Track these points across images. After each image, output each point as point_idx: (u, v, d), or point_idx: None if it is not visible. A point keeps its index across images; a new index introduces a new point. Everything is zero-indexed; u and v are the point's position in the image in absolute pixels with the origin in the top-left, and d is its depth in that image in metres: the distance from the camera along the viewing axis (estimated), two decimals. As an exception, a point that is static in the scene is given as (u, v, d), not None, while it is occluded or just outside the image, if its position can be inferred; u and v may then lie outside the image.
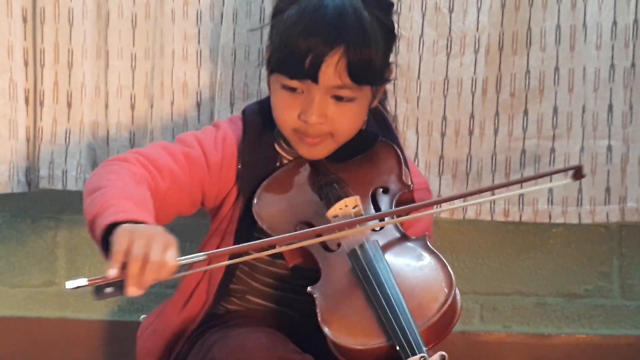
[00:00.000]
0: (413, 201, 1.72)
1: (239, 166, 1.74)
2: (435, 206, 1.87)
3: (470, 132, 2.16)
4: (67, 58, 2.15)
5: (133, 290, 1.40)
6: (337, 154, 1.75)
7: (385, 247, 1.60)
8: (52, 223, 2.32)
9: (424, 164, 2.16)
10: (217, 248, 1.75)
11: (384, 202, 1.69)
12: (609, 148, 2.14)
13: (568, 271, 2.30)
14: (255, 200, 1.71)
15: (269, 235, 1.66)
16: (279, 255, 1.67)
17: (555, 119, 2.15)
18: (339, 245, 1.62)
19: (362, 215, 1.64)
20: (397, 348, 1.45)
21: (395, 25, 1.75)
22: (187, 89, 2.16)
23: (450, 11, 2.13)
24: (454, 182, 2.17)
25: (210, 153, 1.73)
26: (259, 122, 1.78)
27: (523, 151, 2.16)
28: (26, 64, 2.16)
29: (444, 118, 2.16)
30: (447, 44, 2.14)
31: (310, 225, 1.66)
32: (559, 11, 2.13)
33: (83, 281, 1.40)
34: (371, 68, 1.67)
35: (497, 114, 2.16)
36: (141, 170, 1.63)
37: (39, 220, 2.32)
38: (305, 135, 1.71)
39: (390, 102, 2.06)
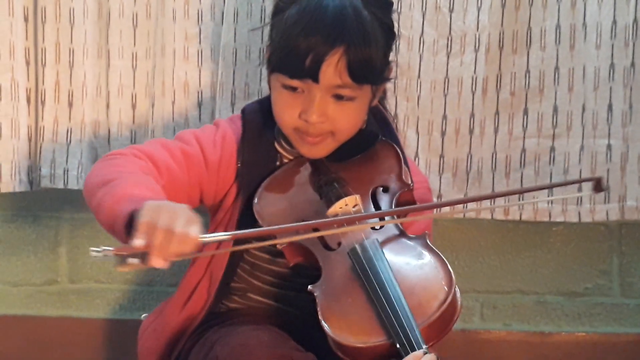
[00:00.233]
0: (413, 200, 1.72)
1: (239, 165, 1.75)
2: (435, 210, 1.87)
3: (471, 131, 2.16)
4: (69, 57, 2.15)
5: (157, 261, 1.41)
6: (338, 153, 1.75)
7: (386, 246, 1.60)
8: (53, 222, 2.32)
9: (424, 163, 2.16)
10: (220, 243, 1.76)
11: (384, 201, 1.70)
12: (609, 147, 2.14)
13: (568, 269, 2.30)
14: (255, 200, 1.71)
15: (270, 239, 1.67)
16: (280, 254, 1.68)
17: (555, 118, 2.15)
18: (339, 244, 1.62)
19: (362, 214, 1.65)
20: (398, 346, 1.46)
21: (396, 25, 1.75)
22: (188, 89, 2.16)
23: (451, 10, 2.13)
24: (454, 181, 2.17)
25: (208, 151, 1.73)
26: (259, 121, 1.78)
27: (523, 150, 2.16)
28: (27, 63, 2.16)
29: (444, 117, 2.16)
30: (448, 43, 2.14)
31: (314, 228, 1.66)
32: (558, 10, 2.13)
33: (109, 250, 1.40)
34: (371, 67, 1.67)
35: (497, 113, 2.17)
36: (143, 164, 1.64)
37: (40, 219, 2.32)
38: (306, 135, 1.71)
39: (390, 101, 2.06)
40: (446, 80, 2.15)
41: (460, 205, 2.18)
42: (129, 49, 2.17)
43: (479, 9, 2.12)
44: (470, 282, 2.29)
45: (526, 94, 2.15)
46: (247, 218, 1.72)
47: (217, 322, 1.73)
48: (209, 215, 1.81)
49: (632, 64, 2.12)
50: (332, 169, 1.74)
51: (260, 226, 1.69)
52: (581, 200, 2.15)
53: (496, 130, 2.17)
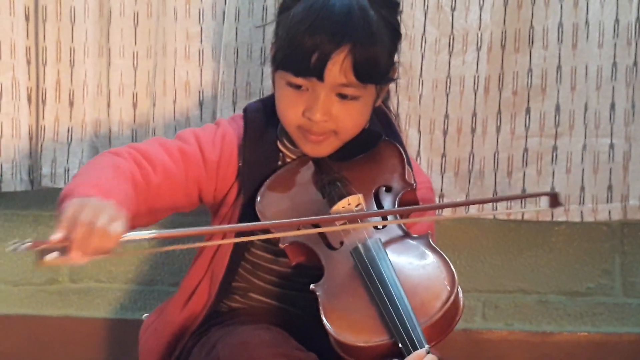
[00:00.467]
0: (416, 200, 1.71)
1: (240, 164, 1.74)
2: (437, 211, 1.87)
3: (473, 131, 2.16)
4: (69, 56, 2.15)
5: (77, 255, 1.41)
6: (341, 153, 1.75)
7: (388, 245, 1.60)
8: (54, 221, 2.31)
9: (426, 162, 2.16)
10: (219, 244, 1.76)
11: (387, 200, 1.69)
12: (611, 146, 2.14)
13: (570, 269, 2.30)
14: (258, 199, 1.71)
15: (270, 234, 1.67)
16: (282, 254, 1.67)
17: (557, 117, 2.15)
18: (341, 243, 1.62)
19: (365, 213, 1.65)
20: (400, 345, 1.45)
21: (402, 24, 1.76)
22: (189, 88, 2.16)
23: (453, 9, 2.13)
24: (456, 181, 2.17)
25: (207, 150, 1.73)
26: (262, 120, 1.78)
27: (525, 149, 2.16)
28: (28, 62, 2.16)
29: (446, 116, 2.16)
30: (450, 42, 2.14)
31: (314, 223, 1.66)
32: (561, 9, 2.13)
33: (26, 243, 1.40)
34: (376, 67, 1.67)
35: (499, 112, 2.16)
36: (129, 165, 1.64)
37: (41, 219, 2.32)
38: (309, 133, 1.71)
39: (392, 100, 2.06)
40: (448, 79, 2.14)
41: (462, 209, 2.17)
42: (130, 48, 2.17)
43: (481, 8, 2.12)
44: (472, 281, 2.29)
45: (528, 93, 2.15)
46: (248, 217, 1.72)
47: (218, 321, 1.73)
48: (210, 214, 1.81)
49: (635, 63, 2.12)
50: (335, 169, 1.73)
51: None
52: (583, 200, 2.15)
53: (498, 130, 2.16)
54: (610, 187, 2.15)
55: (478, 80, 2.14)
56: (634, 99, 2.13)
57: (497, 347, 2.30)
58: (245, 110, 1.81)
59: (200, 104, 2.17)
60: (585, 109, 2.14)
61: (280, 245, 1.65)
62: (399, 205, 1.68)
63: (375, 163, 1.75)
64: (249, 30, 2.13)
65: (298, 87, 1.69)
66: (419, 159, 2.15)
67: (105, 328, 2.33)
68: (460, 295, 1.53)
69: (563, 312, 2.31)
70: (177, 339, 1.77)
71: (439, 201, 2.15)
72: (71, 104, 2.16)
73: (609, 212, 2.15)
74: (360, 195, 1.67)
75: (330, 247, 1.62)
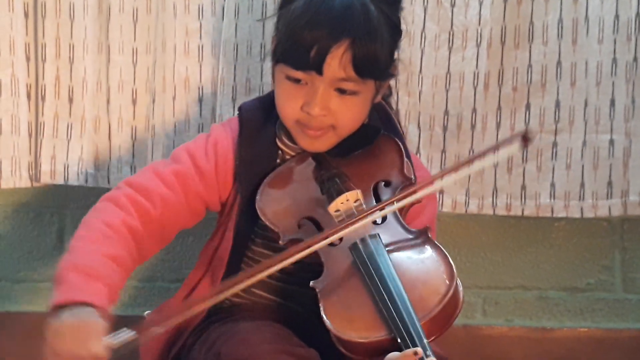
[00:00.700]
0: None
1: (236, 163, 1.75)
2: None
3: (472, 127, 2.16)
4: (69, 53, 2.15)
5: None
6: (339, 148, 1.75)
7: (387, 241, 1.60)
8: (55, 218, 2.32)
9: (426, 158, 2.16)
10: (221, 241, 1.77)
11: (386, 195, 1.69)
12: (611, 142, 2.14)
13: (570, 265, 2.29)
14: (258, 196, 1.71)
15: (269, 230, 1.68)
16: (283, 250, 1.67)
17: (557, 113, 2.15)
18: (340, 239, 1.62)
19: (363, 209, 1.64)
20: (399, 340, 1.45)
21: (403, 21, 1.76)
22: (188, 84, 2.16)
23: (452, 5, 2.13)
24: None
25: (201, 162, 1.73)
26: (259, 118, 1.78)
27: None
28: (28, 59, 2.16)
29: (446, 112, 2.16)
30: (449, 38, 2.14)
31: (313, 220, 1.67)
32: (561, 5, 2.12)
33: None
34: (376, 62, 1.67)
35: (499, 108, 2.16)
36: (123, 216, 1.64)
37: (42, 215, 2.32)
38: (307, 127, 1.71)
39: (392, 96, 2.06)
40: (448, 75, 2.14)
41: (462, 202, 2.17)
42: (129, 45, 2.17)
43: (480, 4, 2.12)
44: (472, 277, 2.29)
45: (528, 89, 2.15)
46: (248, 215, 1.72)
47: (220, 317, 1.73)
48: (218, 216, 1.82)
49: (635, 59, 2.12)
50: (333, 164, 1.73)
51: (262, 222, 1.69)
52: (583, 196, 2.15)
53: (498, 126, 2.16)
54: (610, 183, 2.15)
55: (478, 76, 2.14)
56: (634, 94, 2.13)
57: (497, 343, 2.30)
58: (240, 109, 1.81)
59: (200, 100, 2.17)
60: (585, 105, 2.14)
61: (280, 242, 1.66)
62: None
63: (374, 158, 1.75)
64: (249, 27, 2.13)
65: (297, 81, 1.69)
66: (418, 155, 2.15)
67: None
68: (460, 289, 1.53)
69: (563, 308, 2.31)
70: (178, 335, 1.77)
71: (439, 198, 2.15)
72: (70, 100, 2.16)
73: (609, 208, 2.15)
74: (359, 191, 1.67)
75: (329, 243, 1.62)
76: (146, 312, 1.89)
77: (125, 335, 1.51)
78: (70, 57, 2.15)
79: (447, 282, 1.52)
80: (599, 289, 2.30)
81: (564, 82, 2.14)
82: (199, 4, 2.14)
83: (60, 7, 2.13)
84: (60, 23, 2.14)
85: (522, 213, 2.18)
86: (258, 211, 1.70)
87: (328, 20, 1.65)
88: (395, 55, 1.76)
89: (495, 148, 1.70)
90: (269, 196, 1.72)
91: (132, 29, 2.17)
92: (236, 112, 1.83)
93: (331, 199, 1.67)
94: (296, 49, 1.66)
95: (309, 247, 1.57)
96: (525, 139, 1.59)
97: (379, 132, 1.78)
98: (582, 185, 2.16)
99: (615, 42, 2.12)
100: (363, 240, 1.59)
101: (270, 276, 1.74)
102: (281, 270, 1.72)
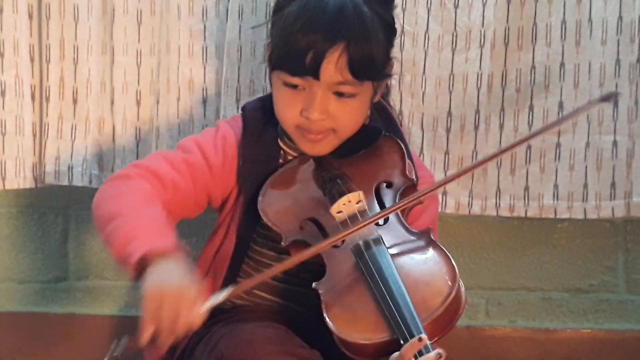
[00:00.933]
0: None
1: (240, 163, 1.75)
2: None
3: (476, 128, 2.16)
4: (73, 54, 2.15)
5: (165, 343, 1.48)
6: (341, 150, 1.75)
7: (389, 242, 1.60)
8: (59, 219, 2.32)
9: (429, 159, 2.16)
10: (223, 241, 1.78)
11: (388, 196, 1.69)
12: (615, 143, 2.14)
13: (573, 266, 2.29)
14: (260, 197, 1.72)
15: (272, 231, 1.68)
16: (285, 251, 1.67)
17: (560, 114, 2.15)
18: (342, 240, 1.62)
19: (364, 210, 1.65)
20: (402, 342, 1.45)
21: (400, 21, 1.75)
22: (193, 86, 2.16)
23: (456, 6, 2.13)
24: (459, 178, 2.16)
25: (210, 155, 1.73)
26: (261, 118, 1.78)
27: (528, 146, 2.16)
28: (32, 60, 2.16)
29: (449, 114, 2.16)
30: (453, 39, 2.14)
31: (315, 221, 1.67)
32: (564, 6, 2.12)
33: (122, 345, 1.52)
34: (372, 63, 1.67)
35: (502, 109, 2.16)
36: (147, 187, 1.65)
37: (46, 216, 2.32)
38: (308, 132, 1.71)
39: (395, 97, 2.06)
40: (451, 76, 2.14)
41: (466, 203, 2.17)
42: (133, 46, 2.17)
43: (484, 5, 2.12)
44: (475, 278, 2.29)
45: (531, 90, 2.15)
46: (250, 215, 1.72)
47: (222, 318, 1.73)
48: (217, 211, 1.82)
49: (638, 60, 2.12)
50: (335, 166, 1.73)
51: (264, 222, 1.69)
52: (587, 197, 2.15)
53: (501, 127, 2.16)
54: (613, 184, 2.14)
55: (481, 77, 2.14)
56: (637, 96, 2.13)
57: (500, 344, 2.30)
58: (243, 109, 1.81)
59: (204, 101, 2.17)
60: (589, 106, 2.14)
61: (282, 243, 1.66)
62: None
63: (375, 159, 1.76)
64: (252, 28, 2.13)
65: (294, 86, 1.69)
66: (421, 156, 2.15)
67: (110, 325, 2.33)
68: (462, 290, 1.53)
69: (566, 309, 2.31)
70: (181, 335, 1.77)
71: (441, 198, 2.15)
72: (75, 101, 2.17)
73: (612, 209, 2.15)
74: (361, 192, 1.67)
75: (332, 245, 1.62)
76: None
77: (220, 295, 1.53)
78: (74, 58, 2.15)
79: (450, 283, 1.52)
80: (602, 290, 2.30)
81: (567, 84, 2.14)
82: (203, 6, 2.14)
83: (64, 9, 2.14)
84: (65, 24, 2.14)
85: (525, 214, 2.18)
86: (260, 212, 1.70)
87: (322, 24, 1.64)
88: (395, 54, 1.76)
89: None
90: (271, 197, 1.72)
91: (136, 31, 2.17)
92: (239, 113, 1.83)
93: (333, 200, 1.67)
94: (292, 55, 1.65)
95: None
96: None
97: (380, 133, 1.78)
98: (586, 186, 2.15)
99: (618, 44, 2.12)
100: (365, 241, 1.59)
101: (272, 278, 1.75)
102: (283, 272, 1.73)
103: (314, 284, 1.57)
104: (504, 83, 2.15)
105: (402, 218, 1.66)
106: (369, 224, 1.59)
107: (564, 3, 2.12)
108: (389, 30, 1.72)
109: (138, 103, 2.19)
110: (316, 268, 1.61)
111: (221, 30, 2.15)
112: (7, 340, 2.31)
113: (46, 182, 2.18)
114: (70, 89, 2.16)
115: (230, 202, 1.76)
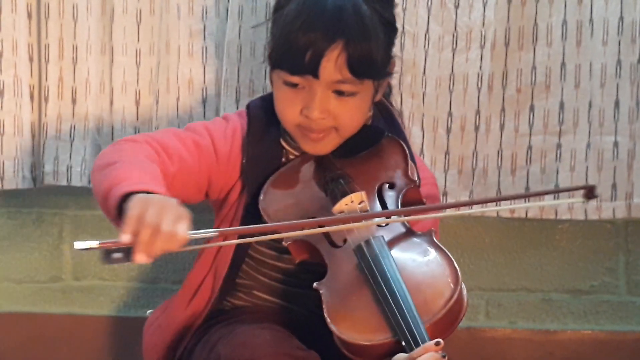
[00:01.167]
0: (419, 196, 1.71)
1: (243, 161, 1.74)
2: (440, 211, 1.87)
3: (476, 128, 2.15)
4: (72, 54, 2.15)
5: (141, 257, 1.41)
6: (343, 150, 1.75)
7: (391, 243, 1.60)
8: (57, 219, 2.32)
9: (430, 160, 2.15)
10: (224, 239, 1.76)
11: (390, 197, 1.69)
12: (616, 144, 2.14)
13: (574, 267, 2.29)
14: (261, 196, 1.71)
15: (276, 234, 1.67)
16: (286, 251, 1.67)
17: (561, 115, 2.15)
18: (344, 241, 1.62)
19: (367, 211, 1.64)
20: (403, 343, 1.45)
21: (400, 21, 1.75)
22: (192, 85, 2.16)
23: (456, 6, 2.13)
24: (460, 178, 2.16)
25: (219, 143, 1.73)
26: (264, 117, 1.78)
27: (529, 147, 2.16)
28: (31, 59, 2.16)
29: (450, 114, 2.15)
30: (453, 40, 2.13)
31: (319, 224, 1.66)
32: (565, 6, 2.12)
33: (94, 243, 1.41)
34: (372, 62, 1.67)
35: (503, 109, 2.16)
36: (152, 152, 1.64)
37: (44, 216, 2.32)
38: (309, 131, 1.70)
39: (395, 97, 2.05)
40: (452, 76, 2.14)
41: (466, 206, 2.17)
42: (132, 46, 2.17)
43: (484, 5, 2.12)
44: (476, 279, 2.29)
45: (532, 91, 2.15)
46: (251, 214, 1.72)
47: (221, 319, 1.73)
48: (214, 210, 1.81)
49: (639, 61, 2.12)
50: (337, 166, 1.73)
51: (265, 222, 1.68)
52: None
53: (502, 127, 2.16)
54: (614, 185, 2.14)
55: (482, 77, 2.14)
56: (638, 96, 2.13)
57: (500, 346, 2.30)
58: (248, 107, 1.81)
59: (204, 101, 2.16)
60: (590, 107, 2.14)
61: (283, 243, 1.65)
62: (402, 202, 1.68)
63: (378, 159, 1.75)
64: (252, 28, 2.13)
65: (294, 85, 1.69)
66: (422, 156, 2.14)
67: (109, 326, 2.33)
68: (464, 292, 1.53)
69: (567, 311, 2.30)
70: (180, 335, 1.77)
71: (442, 199, 2.15)
72: (74, 101, 2.16)
73: (613, 210, 2.15)
74: (363, 193, 1.66)
75: (333, 244, 1.62)
76: (148, 311, 1.89)
77: (207, 232, 1.49)
78: (73, 58, 2.15)
79: (452, 285, 1.51)
80: (603, 291, 2.29)
81: (568, 84, 2.14)
82: (202, 5, 2.14)
83: (63, 8, 2.13)
84: (64, 24, 2.14)
85: (526, 215, 2.17)
86: (261, 211, 1.69)
87: (321, 23, 1.64)
88: (395, 54, 1.76)
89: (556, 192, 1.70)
90: (272, 196, 1.72)
91: (135, 30, 2.17)
92: (240, 113, 1.83)
93: (335, 200, 1.67)
94: (291, 54, 1.65)
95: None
96: (589, 194, 1.59)
97: (383, 134, 1.78)
98: (572, 196, 2.15)
99: (619, 44, 2.12)
100: (367, 242, 1.59)
101: (272, 279, 1.74)
102: (283, 272, 1.73)
103: (315, 284, 1.57)
104: (504, 83, 2.15)
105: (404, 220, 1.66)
106: (368, 218, 1.59)
107: (565, 3, 2.12)
108: (389, 29, 1.72)
109: (137, 103, 2.18)
110: (317, 269, 1.61)
111: (221, 30, 2.15)
112: (4, 341, 2.31)
113: (45, 182, 2.17)
114: (69, 89, 2.16)
115: (232, 200, 1.76)
